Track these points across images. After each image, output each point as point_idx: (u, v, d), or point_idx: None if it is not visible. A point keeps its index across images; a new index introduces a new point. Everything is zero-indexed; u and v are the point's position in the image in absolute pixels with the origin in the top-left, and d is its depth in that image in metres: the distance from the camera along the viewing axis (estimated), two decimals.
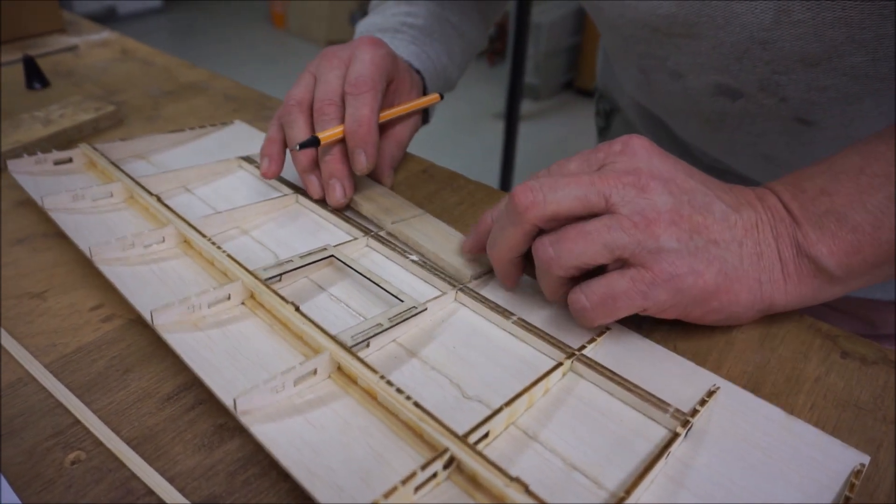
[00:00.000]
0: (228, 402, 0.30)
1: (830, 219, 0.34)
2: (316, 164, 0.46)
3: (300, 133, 0.45)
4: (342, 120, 0.44)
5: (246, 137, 0.57)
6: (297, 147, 0.43)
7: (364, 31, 0.59)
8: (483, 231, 0.39)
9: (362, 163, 0.44)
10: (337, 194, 0.45)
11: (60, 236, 0.43)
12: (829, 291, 0.35)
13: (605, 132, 0.71)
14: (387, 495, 0.25)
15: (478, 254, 0.40)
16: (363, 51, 0.45)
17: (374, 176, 0.49)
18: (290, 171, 0.50)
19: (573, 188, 0.33)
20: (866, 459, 0.29)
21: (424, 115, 0.56)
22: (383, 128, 0.49)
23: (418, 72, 0.55)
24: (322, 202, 0.46)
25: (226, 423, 0.31)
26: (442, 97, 0.54)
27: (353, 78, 0.44)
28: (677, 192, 0.33)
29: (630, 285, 0.32)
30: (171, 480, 0.29)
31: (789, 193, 0.35)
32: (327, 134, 0.44)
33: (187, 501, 0.28)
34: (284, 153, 0.47)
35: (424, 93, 0.56)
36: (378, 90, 0.44)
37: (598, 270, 0.34)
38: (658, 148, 0.35)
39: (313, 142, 0.43)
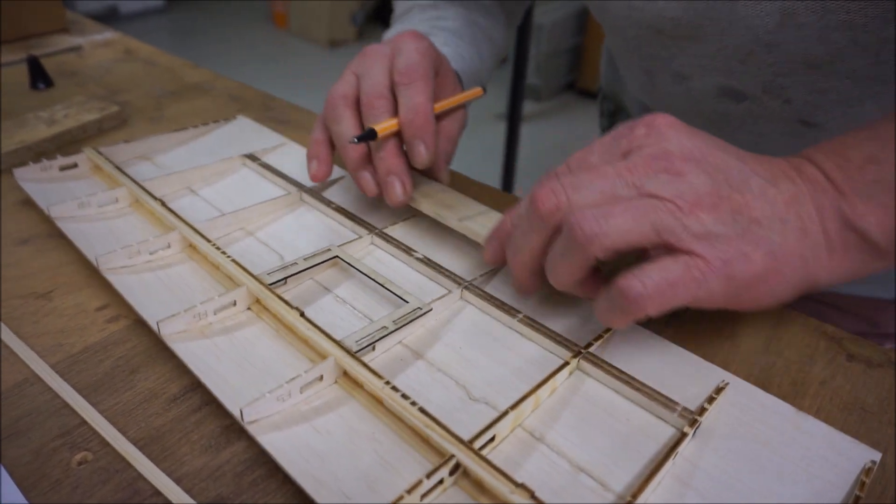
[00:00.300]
0: (235, 412, 0.30)
1: (880, 188, 0.32)
2: (369, 161, 0.42)
3: (349, 128, 0.42)
4: (393, 114, 0.41)
5: (249, 132, 0.57)
6: (355, 140, 0.40)
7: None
8: (504, 237, 0.36)
9: (422, 154, 0.41)
10: (397, 191, 0.41)
11: (66, 237, 0.43)
12: (874, 265, 0.33)
13: (608, 131, 0.71)
14: None
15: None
16: (406, 43, 0.43)
17: (429, 173, 0.46)
18: (292, 167, 0.51)
19: (599, 183, 0.31)
20: (877, 456, 0.29)
21: None
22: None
23: (455, 73, 0.53)
24: (324, 201, 0.46)
25: (232, 425, 0.31)
26: (485, 90, 0.50)
27: (402, 67, 0.41)
28: (713, 171, 0.31)
29: (685, 272, 0.29)
30: (177, 481, 0.29)
31: (832, 162, 0.33)
32: (383, 126, 0.40)
33: (194, 502, 0.28)
34: (332, 153, 0.44)
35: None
36: (430, 78, 0.42)
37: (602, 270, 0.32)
38: (684, 124, 0.33)
39: (370, 134, 0.40)
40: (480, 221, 0.41)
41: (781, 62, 0.43)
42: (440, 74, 0.46)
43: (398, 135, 0.41)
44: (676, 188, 0.30)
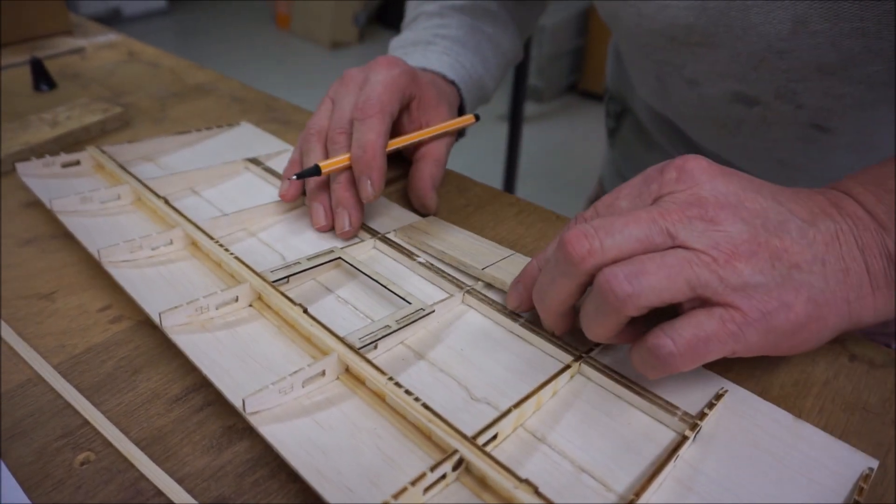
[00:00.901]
0: (237, 403, 0.30)
1: None
2: (323, 192, 0.44)
3: (315, 160, 0.44)
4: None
5: (252, 138, 0.57)
6: (294, 177, 0.42)
7: (396, 47, 0.58)
8: (530, 282, 0.35)
9: (367, 190, 0.42)
10: (343, 223, 0.43)
11: (68, 237, 0.43)
12: None
13: (615, 133, 0.71)
14: (396, 496, 0.25)
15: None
16: (376, 72, 0.44)
17: (417, 198, 0.47)
18: None
19: (633, 228, 0.29)
20: (875, 464, 0.29)
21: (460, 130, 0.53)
22: (419, 147, 0.48)
23: (453, 83, 0.54)
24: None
25: (234, 425, 0.32)
26: (477, 118, 0.51)
27: (361, 102, 0.43)
28: (749, 216, 0.30)
29: (720, 326, 0.28)
30: (180, 481, 0.29)
31: (872, 196, 0.32)
32: (330, 162, 0.42)
33: (196, 502, 0.28)
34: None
35: (460, 104, 0.54)
36: (386, 113, 0.43)
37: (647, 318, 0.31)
38: (717, 166, 0.32)
39: (313, 171, 0.42)
40: (505, 267, 0.40)
41: (794, 68, 0.43)
42: (418, 97, 0.47)
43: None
44: (711, 238, 0.29)
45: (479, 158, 2.33)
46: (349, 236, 0.44)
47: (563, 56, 2.76)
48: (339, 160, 0.43)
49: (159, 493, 0.28)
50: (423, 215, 0.47)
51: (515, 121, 1.85)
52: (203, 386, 0.33)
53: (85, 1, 3.21)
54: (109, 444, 0.30)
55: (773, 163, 0.52)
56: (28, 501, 0.28)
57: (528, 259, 0.38)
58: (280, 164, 0.53)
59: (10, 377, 0.34)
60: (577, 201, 2.09)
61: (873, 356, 0.36)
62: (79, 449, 0.30)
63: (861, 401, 0.33)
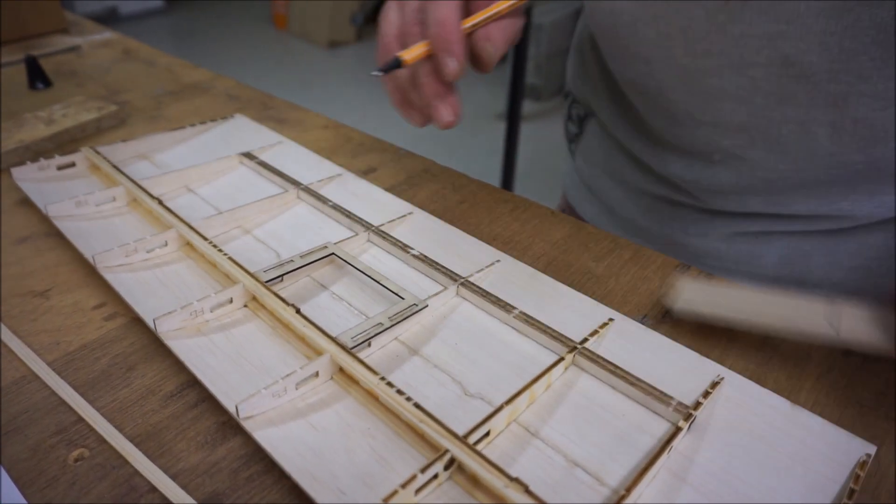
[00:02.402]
0: (231, 408, 0.30)
1: None
2: (412, 91, 0.41)
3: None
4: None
5: (247, 131, 0.57)
6: (380, 72, 0.39)
7: None
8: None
9: (450, 66, 0.38)
10: (441, 115, 0.39)
11: (63, 235, 0.43)
12: None
13: (578, 138, 0.68)
14: (387, 499, 0.25)
15: None
16: None
17: (475, 49, 0.41)
18: (289, 166, 0.51)
19: None
20: (872, 450, 0.29)
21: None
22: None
23: None
24: (320, 199, 0.46)
25: (229, 421, 0.32)
26: None
27: None
28: None
29: None
30: (174, 477, 0.29)
31: None
32: (410, 52, 0.38)
33: (190, 498, 0.28)
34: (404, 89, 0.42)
35: None
36: None
37: None
38: None
39: (395, 64, 0.38)
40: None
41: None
42: None
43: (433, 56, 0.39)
44: None
45: (477, 157, 2.33)
46: (454, 124, 0.40)
47: (561, 54, 2.76)
48: (419, 49, 0.39)
49: (153, 489, 0.28)
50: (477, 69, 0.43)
51: (513, 119, 1.85)
52: (197, 382, 0.33)
53: (82, 0, 3.21)
54: (104, 441, 0.30)
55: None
56: (22, 498, 0.28)
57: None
58: (275, 158, 0.53)
59: (5, 374, 0.34)
60: None
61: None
62: (73, 445, 0.30)
63: (855, 395, 0.33)
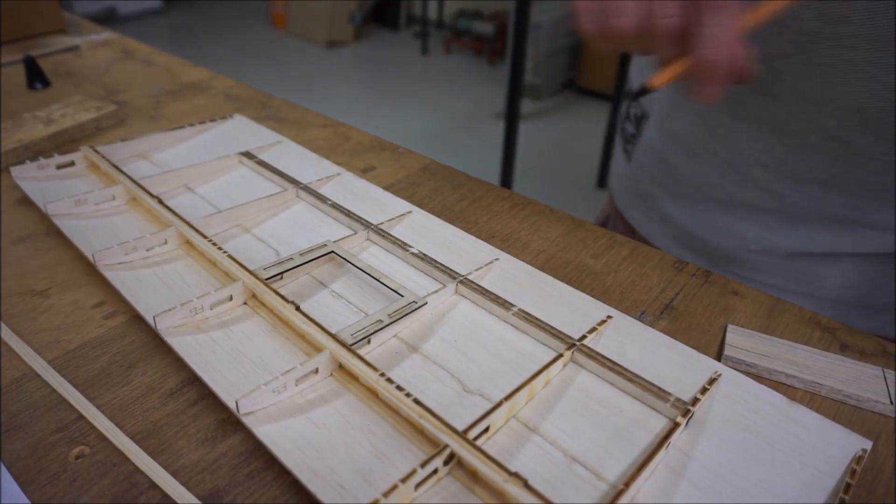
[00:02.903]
0: (231, 404, 0.30)
1: None
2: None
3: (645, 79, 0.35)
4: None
5: (246, 130, 0.57)
6: (633, 99, 0.35)
7: None
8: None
9: (713, 96, 0.33)
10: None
11: (63, 234, 0.43)
12: None
13: (634, 139, 0.62)
14: (387, 494, 0.25)
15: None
16: None
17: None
18: (288, 165, 0.51)
19: None
20: (868, 445, 0.29)
21: None
22: None
23: None
24: (320, 198, 0.46)
25: (229, 418, 0.32)
26: None
27: None
28: None
29: None
30: (174, 474, 0.29)
31: None
32: (666, 74, 0.33)
33: (191, 495, 0.28)
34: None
35: None
36: None
37: None
38: None
39: (643, 92, 0.34)
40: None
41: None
42: None
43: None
44: None
45: (476, 156, 2.33)
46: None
47: (560, 53, 2.76)
48: (677, 67, 0.33)
49: (154, 486, 0.28)
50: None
51: (512, 118, 1.85)
52: (197, 380, 0.33)
53: (81, 0, 3.21)
54: (104, 438, 0.31)
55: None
56: (23, 496, 0.28)
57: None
58: (274, 157, 0.53)
59: (6, 373, 0.34)
60: (574, 198, 2.09)
61: (864, 345, 0.36)
62: (74, 443, 0.30)
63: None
